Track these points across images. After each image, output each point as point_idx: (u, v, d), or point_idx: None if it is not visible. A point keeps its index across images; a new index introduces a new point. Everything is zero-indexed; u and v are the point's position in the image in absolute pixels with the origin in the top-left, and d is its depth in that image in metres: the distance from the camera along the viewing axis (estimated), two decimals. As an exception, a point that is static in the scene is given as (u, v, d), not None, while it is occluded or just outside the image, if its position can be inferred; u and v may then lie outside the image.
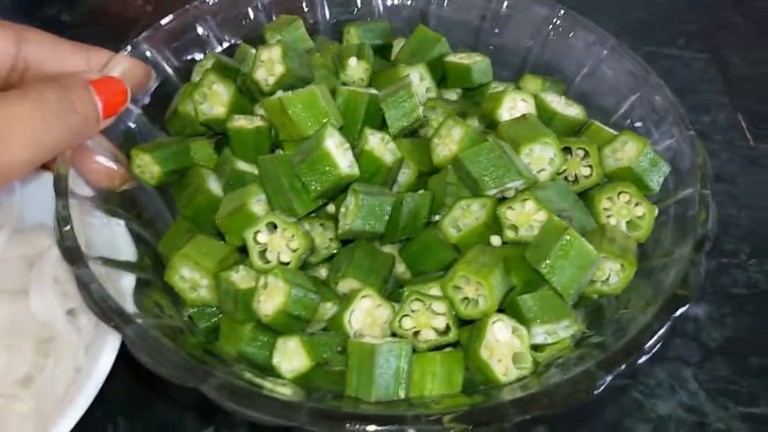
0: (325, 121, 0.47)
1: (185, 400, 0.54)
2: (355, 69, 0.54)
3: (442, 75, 0.57)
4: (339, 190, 0.47)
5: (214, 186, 0.49)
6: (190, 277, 0.45)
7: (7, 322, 0.45)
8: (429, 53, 0.56)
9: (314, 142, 0.46)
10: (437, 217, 0.48)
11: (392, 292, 0.47)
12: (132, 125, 0.52)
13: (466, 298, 0.43)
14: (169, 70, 0.55)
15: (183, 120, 0.53)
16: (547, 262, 0.42)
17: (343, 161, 0.46)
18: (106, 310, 0.39)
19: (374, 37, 0.58)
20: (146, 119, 0.52)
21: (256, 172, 0.49)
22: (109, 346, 0.43)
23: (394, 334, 0.43)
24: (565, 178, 0.49)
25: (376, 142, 0.48)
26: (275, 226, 0.44)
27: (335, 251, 0.48)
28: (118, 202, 0.48)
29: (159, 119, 0.54)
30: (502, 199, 0.46)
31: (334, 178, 0.45)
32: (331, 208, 0.49)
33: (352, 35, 0.58)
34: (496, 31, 0.60)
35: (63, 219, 0.42)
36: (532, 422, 0.54)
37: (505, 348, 0.41)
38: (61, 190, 0.44)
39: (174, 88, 0.55)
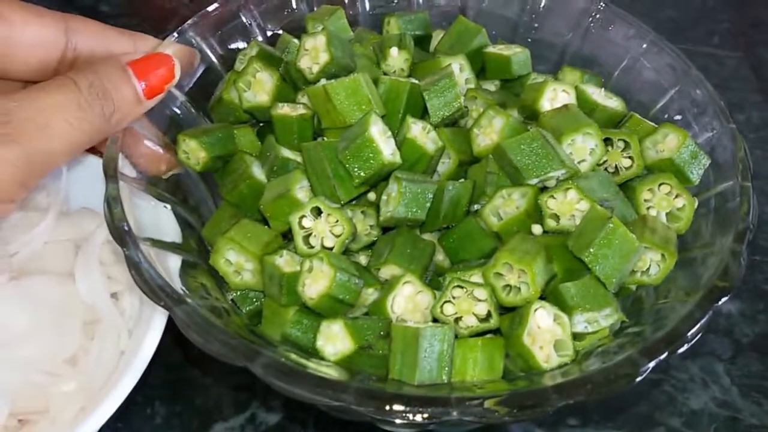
0: (368, 109, 0.48)
1: (222, 386, 0.55)
2: (397, 59, 0.54)
3: (480, 66, 0.57)
4: (381, 178, 0.47)
5: (258, 172, 0.50)
6: (235, 261, 0.46)
7: (54, 303, 0.46)
8: (468, 44, 0.56)
9: (358, 129, 0.47)
10: (477, 207, 0.48)
11: (431, 280, 0.47)
12: (177, 111, 0.52)
13: (507, 286, 0.43)
14: (213, 58, 0.55)
15: (226, 107, 0.53)
16: (591, 250, 0.42)
17: (386, 149, 0.47)
18: (156, 290, 0.39)
19: (414, 28, 0.58)
20: (190, 106, 0.53)
21: (299, 159, 0.49)
22: (153, 331, 0.44)
23: (435, 320, 0.43)
24: (605, 170, 0.49)
25: (418, 131, 0.48)
26: (320, 212, 0.45)
27: (375, 238, 0.48)
28: (165, 186, 0.49)
29: (202, 106, 0.55)
30: (542, 189, 0.47)
31: (377, 165, 0.46)
32: (371, 195, 0.49)
33: (392, 26, 0.58)
34: (535, 24, 0.60)
35: (113, 200, 0.43)
36: (565, 413, 0.54)
37: (547, 335, 0.41)
38: (111, 173, 0.44)
39: (217, 76, 0.56)
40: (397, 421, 0.36)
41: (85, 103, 0.42)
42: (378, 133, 0.47)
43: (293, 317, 0.44)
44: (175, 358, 0.55)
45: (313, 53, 0.51)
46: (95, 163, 0.52)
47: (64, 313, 0.46)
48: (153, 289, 0.40)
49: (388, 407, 0.36)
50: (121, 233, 0.42)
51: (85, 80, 0.43)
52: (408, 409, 0.35)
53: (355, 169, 0.46)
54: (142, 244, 0.42)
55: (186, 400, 0.54)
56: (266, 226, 0.48)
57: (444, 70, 0.51)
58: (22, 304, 0.45)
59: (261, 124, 0.54)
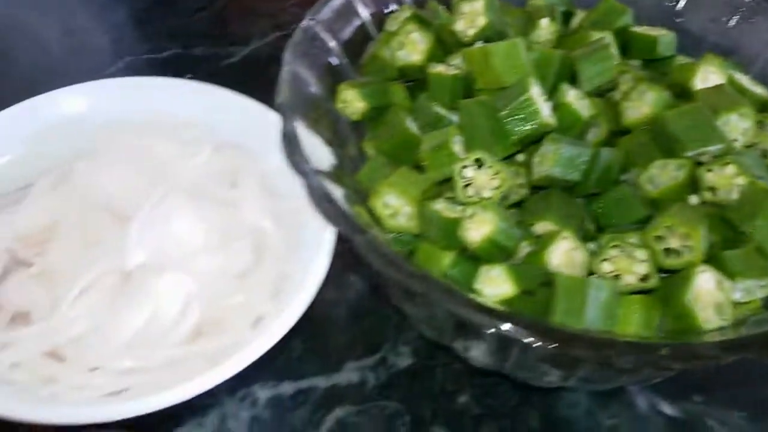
0: (525, 72, 0.50)
1: (355, 328, 0.57)
2: (545, 30, 0.56)
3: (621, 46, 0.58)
4: (534, 139, 0.49)
5: (412, 126, 0.51)
6: (393, 205, 0.48)
7: (222, 226, 0.48)
8: (614, 23, 0.58)
9: (519, 90, 0.48)
10: (625, 177, 0.50)
11: (580, 242, 0.48)
12: (332, 62, 0.54)
13: (667, 249, 0.44)
14: (367, 17, 0.57)
15: (379, 64, 0.55)
16: (755, 222, 0.43)
17: (545, 111, 0.48)
18: (338, 217, 0.41)
19: (558, 3, 0.60)
20: (345, 59, 0.55)
21: (451, 116, 0.51)
22: (321, 257, 0.46)
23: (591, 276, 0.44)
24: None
25: (572, 97, 0.50)
26: (481, 163, 0.47)
27: (523, 198, 0.50)
28: (326, 129, 0.51)
29: (354, 61, 0.56)
30: (697, 163, 0.48)
31: (536, 125, 0.47)
32: (520, 157, 0.50)
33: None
34: (677, 9, 0.61)
35: (291, 135, 0.45)
36: (691, 389, 0.55)
37: (708, 298, 0.42)
38: (285, 109, 0.46)
39: (368, 35, 0.57)
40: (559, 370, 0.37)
41: None
42: (537, 95, 0.48)
43: (452, 259, 0.46)
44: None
45: (469, 17, 0.53)
46: (236, 100, 0.55)
47: (230, 235, 0.48)
48: (333, 215, 0.41)
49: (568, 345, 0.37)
50: (298, 164, 0.44)
51: None
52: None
53: (514, 128, 0.48)
54: (316, 175, 0.44)
55: (321, 337, 0.56)
56: (422, 175, 0.49)
57: (599, 42, 0.53)
58: (195, 222, 0.47)
59: (410, 83, 0.56)
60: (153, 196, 0.46)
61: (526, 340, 0.37)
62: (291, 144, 0.45)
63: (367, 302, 0.59)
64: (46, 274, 0.44)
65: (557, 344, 0.36)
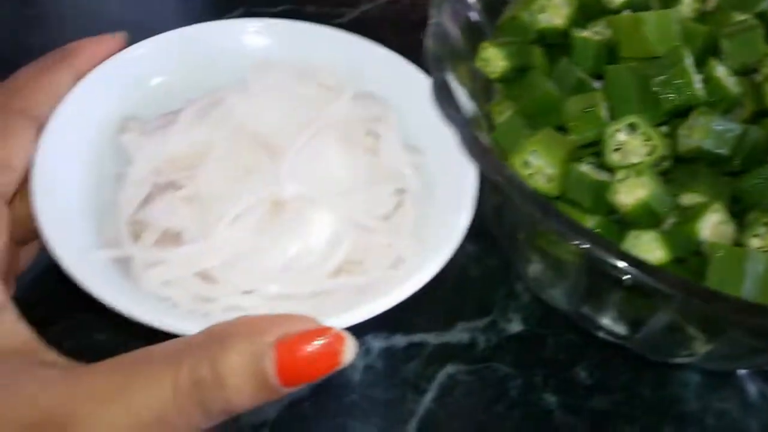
0: (676, 42, 0.49)
1: (465, 291, 0.57)
2: (688, 5, 0.55)
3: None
4: (681, 111, 0.48)
5: (554, 88, 0.51)
6: (536, 164, 0.47)
7: (366, 169, 0.48)
8: (756, 6, 0.57)
9: (672, 59, 0.48)
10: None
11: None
12: (474, 15, 0.54)
13: (819, 228, 0.43)
14: (507, -21, 0.57)
15: (517, 25, 0.55)
16: None
17: (696, 83, 0.47)
18: (493, 166, 0.41)
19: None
20: (484, 15, 0.55)
21: (593, 82, 0.51)
22: (464, 211, 0.46)
23: (738, 251, 0.44)
24: None
25: (722, 73, 0.49)
26: (634, 128, 0.46)
27: (666, 169, 0.49)
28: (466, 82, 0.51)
29: (490, 21, 0.56)
30: None
31: (689, 96, 0.47)
32: (662, 129, 0.50)
33: (677, -24, 0.59)
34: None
35: (442, 82, 0.45)
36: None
37: None
38: (436, 58, 0.46)
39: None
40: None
41: (174, 411, 0.29)
42: (690, 66, 0.48)
43: (596, 223, 0.45)
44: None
45: (620, -16, 0.52)
46: (375, 49, 0.54)
47: (372, 178, 0.48)
48: (489, 165, 0.41)
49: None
50: (453, 114, 0.44)
51: (191, 375, 0.29)
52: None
53: (667, 97, 0.47)
54: (471, 127, 0.44)
55: (431, 295, 0.55)
56: (566, 137, 0.49)
57: (746, 22, 0.52)
58: (343, 159, 0.47)
59: (547, 47, 0.55)
60: (306, 132, 0.46)
61: (693, 305, 0.36)
62: (443, 93, 0.44)
63: (475, 267, 0.59)
64: (196, 197, 0.44)
65: (724, 311, 0.36)
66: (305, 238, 0.44)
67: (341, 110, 0.50)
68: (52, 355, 0.35)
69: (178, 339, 0.33)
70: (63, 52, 0.48)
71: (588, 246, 0.38)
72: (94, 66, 0.49)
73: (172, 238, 0.44)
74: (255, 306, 0.42)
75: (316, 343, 0.30)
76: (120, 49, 0.50)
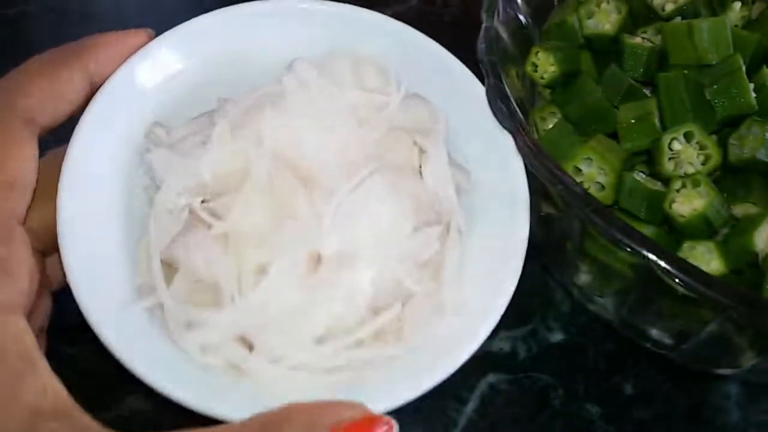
0: (728, 51, 0.49)
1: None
2: (736, 13, 0.55)
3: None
4: (734, 120, 0.48)
5: (603, 95, 0.50)
6: (588, 171, 0.47)
7: (413, 205, 0.43)
8: (801, 14, 0.56)
9: (728, 68, 0.47)
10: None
11: None
12: (522, 19, 0.53)
13: None
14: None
15: (565, 31, 0.54)
16: None
17: (751, 92, 0.47)
18: (551, 175, 0.40)
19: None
20: (531, 19, 0.54)
21: (643, 89, 0.50)
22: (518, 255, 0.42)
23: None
24: None
25: (774, 82, 0.49)
26: (690, 137, 0.46)
27: (717, 178, 0.49)
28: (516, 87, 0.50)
29: (536, 24, 0.56)
30: None
31: (743, 105, 0.47)
32: (713, 137, 0.49)
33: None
34: None
35: (498, 88, 0.44)
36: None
37: None
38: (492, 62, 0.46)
39: (550, 0, 0.57)
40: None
41: None
42: (745, 75, 0.47)
43: (650, 233, 0.45)
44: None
45: (671, -9, 0.52)
46: (425, 45, 0.50)
47: (421, 211, 0.43)
48: (547, 173, 0.41)
49: None
50: (509, 122, 0.43)
51: None
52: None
53: (721, 106, 0.47)
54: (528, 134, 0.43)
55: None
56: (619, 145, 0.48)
57: (799, 30, 0.51)
58: (387, 198, 0.42)
59: (593, 52, 0.55)
60: (356, 174, 0.42)
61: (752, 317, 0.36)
62: (500, 99, 0.44)
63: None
64: (231, 240, 0.40)
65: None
66: (347, 301, 0.40)
67: (386, 119, 0.46)
68: (86, 419, 0.32)
69: (227, 426, 0.32)
70: (76, 49, 0.42)
71: (649, 255, 0.38)
72: (111, 68, 0.43)
73: (206, 286, 0.41)
74: (281, 377, 0.39)
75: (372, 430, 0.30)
76: (141, 42, 0.45)
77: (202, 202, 0.43)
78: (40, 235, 0.40)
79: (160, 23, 0.48)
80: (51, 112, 0.40)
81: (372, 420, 0.30)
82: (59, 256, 0.40)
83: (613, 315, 0.49)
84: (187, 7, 0.75)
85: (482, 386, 0.52)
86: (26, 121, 0.39)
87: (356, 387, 0.39)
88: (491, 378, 0.53)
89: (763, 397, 0.54)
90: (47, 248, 0.41)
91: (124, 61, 0.44)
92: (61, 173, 0.41)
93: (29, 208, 0.39)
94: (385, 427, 0.30)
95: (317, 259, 0.41)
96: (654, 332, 0.47)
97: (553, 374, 0.53)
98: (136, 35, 0.45)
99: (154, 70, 0.47)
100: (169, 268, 0.42)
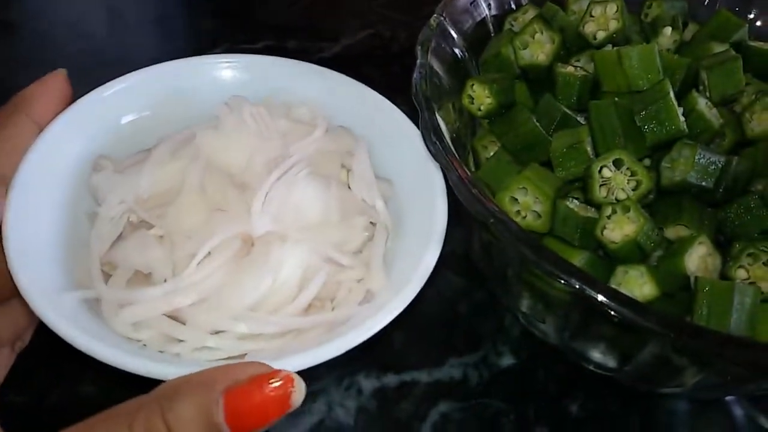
0: (657, 77, 0.50)
1: (453, 327, 0.57)
2: (667, 38, 0.56)
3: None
4: (665, 144, 0.49)
5: (538, 124, 0.51)
6: (523, 200, 0.48)
7: (339, 202, 0.49)
8: (730, 37, 0.58)
9: (657, 94, 0.48)
10: (751, 188, 0.50)
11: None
12: (458, 53, 0.54)
13: (803, 259, 0.44)
14: (488, 15, 0.57)
15: (501, 62, 0.55)
16: None
17: (680, 116, 0.48)
18: (484, 209, 0.41)
19: (676, 13, 0.60)
20: (467, 52, 0.55)
21: (577, 117, 0.51)
22: (432, 249, 0.45)
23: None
24: None
25: (703, 105, 0.50)
26: (620, 164, 0.47)
27: (649, 201, 0.50)
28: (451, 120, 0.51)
29: (473, 58, 0.57)
30: (829, 177, 0.48)
31: (672, 130, 0.48)
32: (645, 161, 0.51)
33: (654, 9, 0.60)
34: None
35: (431, 123, 0.45)
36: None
37: None
38: (424, 98, 0.47)
39: (486, 32, 0.58)
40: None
41: None
42: (674, 100, 0.48)
43: (584, 260, 0.46)
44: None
45: (601, 20, 0.53)
46: (358, 87, 0.55)
47: (346, 211, 0.48)
48: (480, 207, 0.41)
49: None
50: (442, 156, 0.44)
51: (145, 426, 0.29)
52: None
53: (651, 131, 0.48)
54: (461, 168, 0.44)
55: (422, 331, 0.56)
56: (552, 173, 0.49)
57: (726, 54, 0.53)
58: (314, 196, 0.47)
59: (529, 82, 0.56)
60: (277, 168, 0.46)
61: (683, 343, 0.37)
62: (433, 133, 0.45)
63: (464, 301, 0.59)
64: (167, 236, 0.44)
65: (714, 347, 0.36)
66: (275, 276, 0.43)
67: (314, 144, 0.51)
68: None
69: (137, 397, 0.32)
70: (17, 101, 0.46)
71: (578, 286, 0.38)
72: (53, 110, 0.48)
73: (143, 278, 0.44)
74: (223, 347, 0.42)
75: (266, 387, 0.30)
76: (65, 84, 0.49)
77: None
78: None
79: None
80: (8, 167, 0.44)
81: (267, 376, 0.30)
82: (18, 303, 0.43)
83: (556, 339, 0.49)
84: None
85: (434, 415, 0.53)
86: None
87: (277, 354, 0.41)
88: (443, 407, 0.53)
89: (709, 411, 0.55)
90: (3, 296, 0.43)
91: (60, 102, 0.48)
92: (6, 210, 0.43)
93: None
94: (279, 382, 0.30)
95: (249, 243, 0.45)
96: (596, 355, 0.48)
97: (504, 399, 0.54)
98: (57, 77, 0.48)
99: (103, 110, 0.51)
100: (109, 271, 0.45)
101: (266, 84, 0.55)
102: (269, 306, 0.44)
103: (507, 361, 0.55)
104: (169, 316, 0.43)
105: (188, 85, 0.54)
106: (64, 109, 0.48)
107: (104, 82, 0.52)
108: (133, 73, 0.52)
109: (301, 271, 0.45)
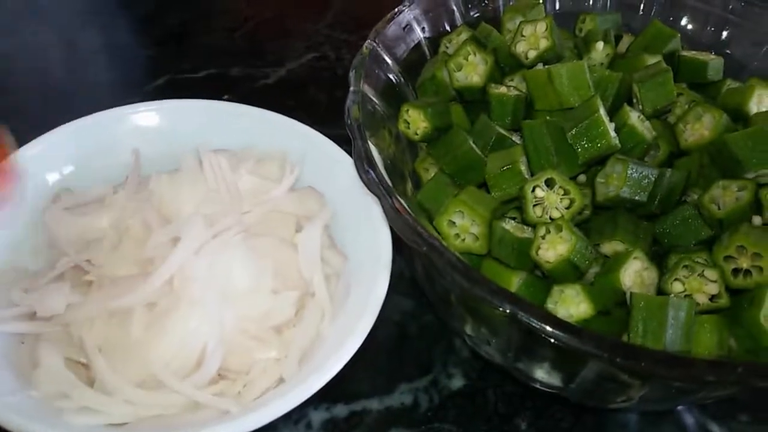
0: (588, 94, 0.50)
1: (402, 353, 0.56)
2: (600, 53, 0.57)
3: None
4: (599, 160, 0.49)
5: (474, 146, 0.52)
6: (461, 224, 0.48)
7: (274, 269, 0.48)
8: (662, 47, 0.59)
9: (586, 111, 0.49)
10: (685, 198, 0.50)
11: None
12: (393, 78, 0.54)
13: (736, 269, 0.44)
14: (422, 38, 0.58)
15: (437, 85, 0.55)
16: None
17: (611, 132, 0.49)
18: (417, 237, 0.41)
19: (609, 26, 0.61)
20: (402, 77, 0.55)
21: (512, 137, 0.52)
22: (367, 317, 0.46)
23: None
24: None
25: (635, 119, 0.50)
26: (552, 183, 0.47)
27: (586, 218, 0.50)
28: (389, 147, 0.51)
29: (408, 82, 0.57)
30: (759, 184, 0.48)
31: (604, 146, 0.48)
32: (581, 177, 0.51)
33: (587, 24, 0.61)
34: (722, 38, 0.62)
35: (364, 153, 0.45)
36: (737, 409, 0.55)
37: (782, 317, 0.43)
38: (358, 128, 0.47)
39: (422, 55, 0.58)
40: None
41: None
42: (604, 116, 0.49)
43: (521, 280, 0.46)
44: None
45: (531, 39, 0.53)
46: (325, 144, 0.55)
47: (282, 280, 0.47)
48: (413, 235, 0.41)
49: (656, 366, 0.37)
50: (375, 186, 0.44)
51: None
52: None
53: (582, 148, 0.48)
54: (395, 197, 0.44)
55: (372, 358, 0.55)
56: (488, 195, 0.49)
57: (658, 66, 0.53)
58: (247, 262, 0.46)
59: (464, 104, 0.56)
60: (216, 226, 0.46)
61: (617, 362, 0.37)
62: (365, 163, 0.44)
63: (412, 324, 0.58)
64: (95, 283, 0.45)
65: (650, 366, 0.36)
66: (179, 343, 0.43)
67: (272, 201, 0.51)
68: None
69: None
70: None
71: (511, 310, 0.38)
72: None
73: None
74: (112, 411, 0.41)
75: None
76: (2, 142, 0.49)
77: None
78: None
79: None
80: None
81: None
82: None
83: (501, 360, 0.49)
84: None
85: (385, 444, 0.52)
86: None
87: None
88: (394, 434, 0.53)
89: (659, 421, 0.55)
90: None
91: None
92: None
93: None
94: None
95: (156, 303, 0.45)
96: (541, 375, 0.48)
97: (455, 422, 0.53)
98: None
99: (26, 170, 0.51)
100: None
101: (230, 133, 0.56)
102: (173, 371, 0.43)
103: (457, 383, 0.55)
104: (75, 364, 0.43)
105: (110, 138, 0.55)
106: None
107: (44, 119, 0.53)
108: (51, 132, 0.53)
109: (207, 342, 0.44)
